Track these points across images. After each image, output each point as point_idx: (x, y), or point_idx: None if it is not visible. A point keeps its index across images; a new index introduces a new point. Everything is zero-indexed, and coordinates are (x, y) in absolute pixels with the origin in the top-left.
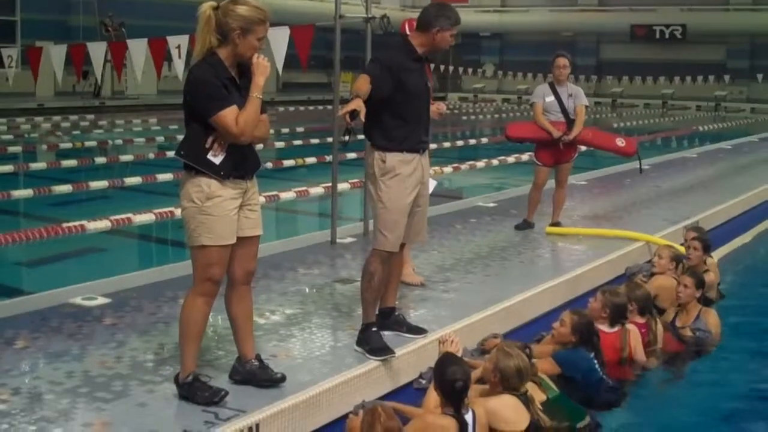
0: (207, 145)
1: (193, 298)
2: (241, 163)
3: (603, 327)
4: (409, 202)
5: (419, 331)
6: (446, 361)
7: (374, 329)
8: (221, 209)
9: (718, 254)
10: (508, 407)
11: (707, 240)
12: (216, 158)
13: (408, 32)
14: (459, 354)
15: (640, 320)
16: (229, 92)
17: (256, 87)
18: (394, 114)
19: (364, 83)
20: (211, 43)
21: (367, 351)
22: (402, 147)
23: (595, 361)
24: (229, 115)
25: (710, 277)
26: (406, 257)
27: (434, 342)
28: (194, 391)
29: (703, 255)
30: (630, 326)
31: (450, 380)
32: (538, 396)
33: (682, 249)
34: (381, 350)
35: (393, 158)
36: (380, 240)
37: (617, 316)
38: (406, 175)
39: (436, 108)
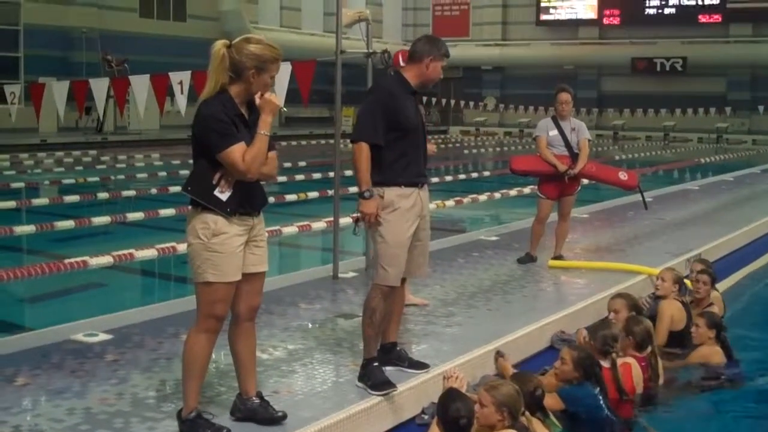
0: (214, 182)
1: (197, 335)
2: (248, 200)
3: (602, 362)
4: (408, 236)
5: (421, 366)
6: (450, 397)
7: (376, 364)
8: (227, 246)
9: (721, 287)
10: None
11: (714, 273)
12: (223, 195)
13: (402, 64)
14: (463, 390)
15: (639, 355)
16: (238, 129)
17: (264, 124)
18: (390, 148)
19: (365, 160)
20: (223, 80)
21: (368, 386)
22: (399, 181)
23: (600, 398)
24: (236, 151)
25: (714, 310)
26: (406, 292)
27: (436, 377)
28: (196, 428)
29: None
30: (630, 360)
31: (454, 417)
32: None
33: (688, 282)
34: (383, 385)
35: (391, 192)
36: (381, 275)
37: (603, 347)
38: (405, 209)
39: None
